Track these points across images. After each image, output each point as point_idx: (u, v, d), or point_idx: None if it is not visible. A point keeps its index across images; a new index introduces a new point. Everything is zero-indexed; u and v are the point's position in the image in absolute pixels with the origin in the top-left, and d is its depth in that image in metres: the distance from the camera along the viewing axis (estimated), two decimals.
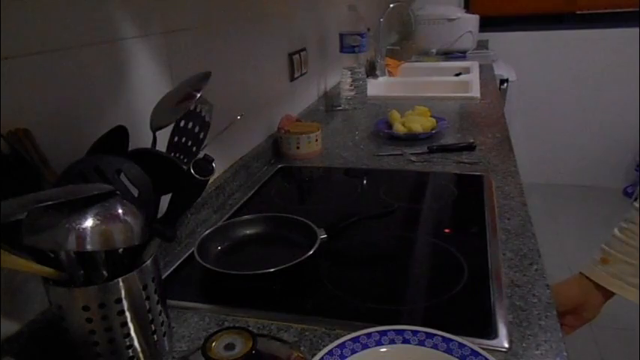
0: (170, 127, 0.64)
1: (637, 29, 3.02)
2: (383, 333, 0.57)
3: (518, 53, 3.27)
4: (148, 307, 0.57)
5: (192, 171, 0.57)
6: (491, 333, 0.63)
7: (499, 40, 3.28)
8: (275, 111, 1.38)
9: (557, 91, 3.34)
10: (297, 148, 1.31)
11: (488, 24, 3.11)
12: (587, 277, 0.87)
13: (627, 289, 0.82)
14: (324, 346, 0.55)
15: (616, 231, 0.85)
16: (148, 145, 0.63)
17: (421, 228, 0.93)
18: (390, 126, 1.48)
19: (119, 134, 0.61)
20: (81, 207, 0.47)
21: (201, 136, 0.64)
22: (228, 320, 0.68)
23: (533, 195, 1.05)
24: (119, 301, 0.53)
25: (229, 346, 0.49)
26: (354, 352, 0.55)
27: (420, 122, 1.44)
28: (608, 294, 0.85)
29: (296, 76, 1.53)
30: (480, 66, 2.48)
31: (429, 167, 1.21)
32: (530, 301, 0.68)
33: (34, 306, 0.60)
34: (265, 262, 0.74)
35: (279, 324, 0.66)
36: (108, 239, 0.49)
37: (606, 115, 3.30)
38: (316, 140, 1.32)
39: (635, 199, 0.78)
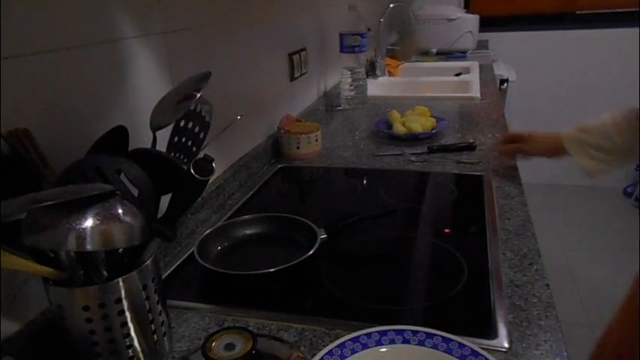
0: (170, 127, 0.64)
1: (637, 29, 3.02)
2: (383, 333, 0.57)
3: (518, 53, 3.27)
4: (148, 307, 0.57)
5: (192, 171, 0.57)
6: (491, 333, 0.63)
7: (499, 40, 3.28)
8: (275, 111, 1.38)
9: (557, 91, 3.34)
10: (297, 148, 1.31)
11: (488, 24, 3.11)
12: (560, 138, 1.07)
13: (580, 157, 1.04)
14: (324, 346, 0.55)
15: (608, 116, 1.02)
16: (148, 145, 0.63)
17: (421, 228, 0.93)
18: (390, 126, 1.48)
19: (119, 134, 0.61)
20: (81, 207, 0.47)
21: (201, 136, 0.64)
22: (228, 320, 0.68)
23: (534, 195, 1.05)
24: (119, 301, 0.53)
25: (229, 346, 0.50)
26: (354, 352, 0.55)
27: (420, 122, 1.44)
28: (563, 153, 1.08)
29: (296, 76, 1.53)
30: (480, 66, 2.47)
31: (429, 167, 1.21)
32: (530, 301, 0.68)
33: (34, 306, 0.60)
34: (265, 262, 0.74)
35: (279, 324, 0.66)
36: (108, 239, 0.49)
37: None
38: (316, 140, 1.32)
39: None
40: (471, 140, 1.34)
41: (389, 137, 1.44)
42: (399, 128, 1.44)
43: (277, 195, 1.12)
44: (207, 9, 0.99)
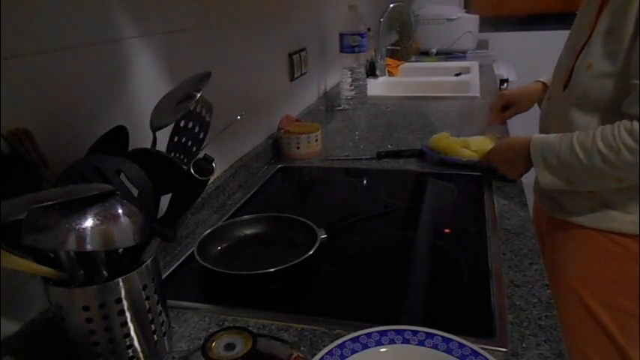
0: (170, 127, 0.64)
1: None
2: (383, 333, 0.57)
3: (518, 53, 3.27)
4: (148, 307, 0.57)
5: (192, 171, 0.57)
6: (491, 333, 0.63)
7: (499, 40, 3.28)
8: (275, 111, 1.38)
9: None
10: (297, 148, 1.31)
11: (488, 24, 3.11)
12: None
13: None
14: (324, 346, 0.55)
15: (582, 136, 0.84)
16: (148, 145, 0.63)
17: (421, 228, 0.93)
18: (436, 151, 1.24)
19: (119, 134, 0.61)
20: (81, 207, 0.47)
21: (201, 136, 0.64)
22: (228, 320, 0.68)
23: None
24: (119, 301, 0.53)
25: (229, 346, 0.50)
26: (354, 352, 0.55)
27: (487, 143, 1.19)
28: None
29: (296, 76, 1.53)
30: (480, 66, 2.47)
31: (429, 167, 1.21)
32: (530, 301, 0.68)
33: (34, 306, 0.60)
34: (265, 262, 0.74)
35: (279, 324, 0.66)
36: (108, 239, 0.49)
37: None
38: (316, 140, 1.32)
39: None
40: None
41: (454, 165, 1.18)
42: (465, 154, 1.19)
43: (277, 195, 1.12)
44: (208, 9, 0.99)
